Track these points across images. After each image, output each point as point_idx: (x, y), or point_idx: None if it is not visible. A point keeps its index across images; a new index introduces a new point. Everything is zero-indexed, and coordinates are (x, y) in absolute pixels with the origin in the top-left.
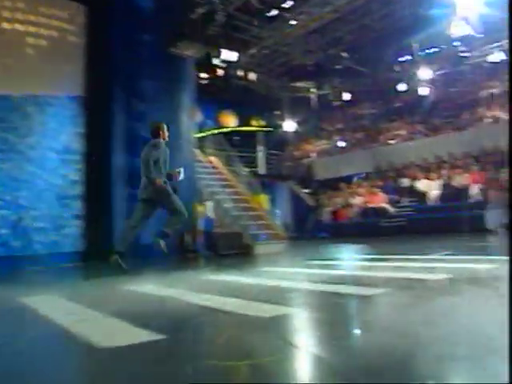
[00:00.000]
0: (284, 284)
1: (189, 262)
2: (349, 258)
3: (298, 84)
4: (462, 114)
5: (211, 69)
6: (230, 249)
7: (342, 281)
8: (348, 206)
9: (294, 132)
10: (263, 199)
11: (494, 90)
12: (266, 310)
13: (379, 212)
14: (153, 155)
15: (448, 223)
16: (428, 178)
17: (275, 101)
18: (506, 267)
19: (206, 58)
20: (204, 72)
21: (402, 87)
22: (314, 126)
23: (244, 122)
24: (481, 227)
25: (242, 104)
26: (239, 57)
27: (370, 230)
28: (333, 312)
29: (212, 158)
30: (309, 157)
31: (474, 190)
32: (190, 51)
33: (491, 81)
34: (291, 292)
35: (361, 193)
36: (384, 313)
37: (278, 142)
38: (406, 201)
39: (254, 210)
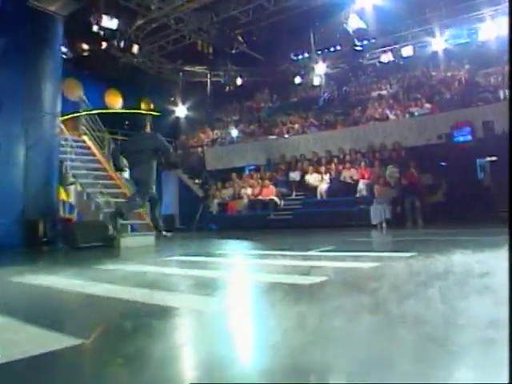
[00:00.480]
0: (101, 291)
1: (24, 257)
2: (224, 254)
3: (192, 68)
4: (354, 112)
5: (91, 38)
6: (91, 241)
7: (176, 287)
8: (238, 197)
9: (187, 119)
10: None
11: (384, 92)
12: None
13: (268, 205)
14: None
15: (335, 218)
16: (318, 172)
17: (168, 84)
18: (387, 265)
19: (83, 23)
20: (83, 41)
21: (298, 80)
22: (209, 115)
23: (133, 104)
24: (367, 222)
25: (131, 84)
26: (122, 25)
27: (258, 223)
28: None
29: (86, 139)
30: (201, 146)
31: (362, 186)
32: (54, 5)
33: (381, 82)
34: (92, 305)
35: (251, 185)
36: (197, 337)
37: (169, 128)
38: (295, 194)
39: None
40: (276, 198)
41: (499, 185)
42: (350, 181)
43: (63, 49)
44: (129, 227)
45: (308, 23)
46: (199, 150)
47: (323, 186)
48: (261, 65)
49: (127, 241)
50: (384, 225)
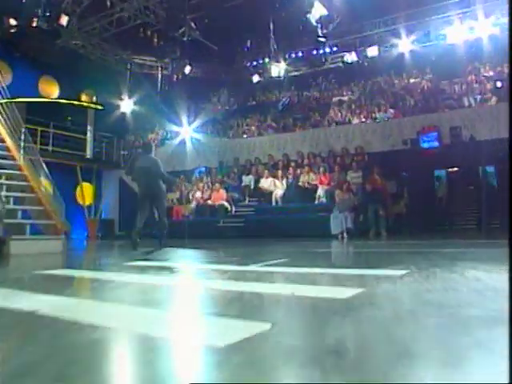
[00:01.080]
0: None
1: None
2: (127, 269)
3: (140, 58)
4: (314, 115)
5: (20, 12)
6: None
7: None
8: (186, 202)
9: (134, 114)
10: (88, 189)
11: (345, 98)
12: None
13: (218, 210)
14: None
15: (291, 226)
16: (273, 177)
17: (113, 75)
18: (379, 293)
19: None
20: (10, 16)
21: (256, 79)
22: (159, 112)
23: (72, 94)
24: (326, 232)
25: (70, 73)
26: None
27: (206, 231)
28: None
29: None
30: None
31: (321, 192)
32: None
33: (342, 88)
34: None
35: (200, 188)
36: None
37: (113, 125)
38: (248, 200)
39: (34, 196)
40: (226, 204)
41: (454, 196)
42: (308, 186)
43: None
44: (27, 228)
45: (268, 10)
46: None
47: (279, 192)
48: (215, 57)
49: (20, 246)
50: (345, 235)
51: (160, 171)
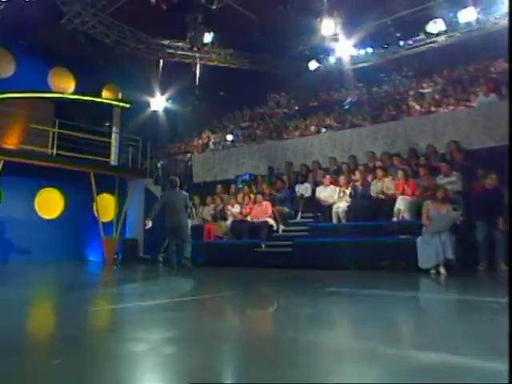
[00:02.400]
0: None
1: None
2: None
3: (170, 41)
4: (388, 109)
5: None
6: None
7: None
8: (221, 218)
9: (168, 112)
10: (108, 202)
11: (427, 90)
12: None
13: (260, 230)
14: None
15: (358, 254)
16: (335, 184)
17: (140, 65)
18: None
19: None
20: None
21: (314, 65)
22: (202, 114)
23: (91, 89)
24: (410, 263)
25: (87, 63)
26: None
27: (242, 256)
28: None
29: None
30: (189, 152)
31: (401, 204)
32: None
33: (422, 80)
34: None
35: (240, 201)
36: None
37: (140, 125)
38: (301, 216)
39: None
40: (272, 221)
41: None
42: (382, 197)
43: None
44: None
45: None
46: (187, 156)
47: (341, 205)
48: (258, 39)
49: None
50: (442, 270)
51: (183, 207)
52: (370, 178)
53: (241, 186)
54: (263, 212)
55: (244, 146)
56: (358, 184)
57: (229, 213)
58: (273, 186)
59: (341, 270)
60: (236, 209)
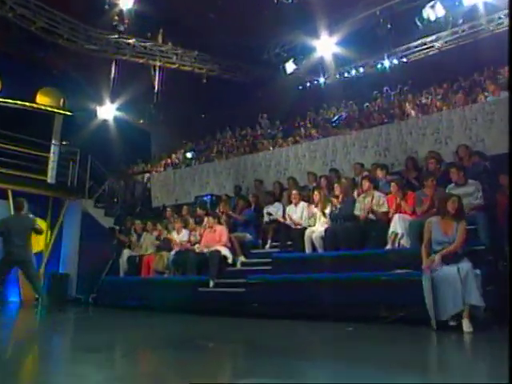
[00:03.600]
0: None
1: None
2: None
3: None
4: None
5: None
6: None
7: None
8: (165, 248)
9: (121, 124)
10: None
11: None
12: None
13: (210, 262)
14: None
15: (340, 297)
16: (308, 201)
17: (87, 67)
18: None
19: None
20: None
21: (291, 68)
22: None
23: (25, 94)
24: (414, 311)
25: (17, 61)
26: None
27: (185, 298)
28: None
29: None
30: (147, 172)
31: (398, 227)
32: None
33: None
34: None
35: (190, 226)
36: None
37: (89, 139)
38: (269, 244)
39: None
40: (225, 251)
41: None
42: (371, 216)
43: None
44: None
45: None
46: (145, 176)
47: (318, 229)
48: (226, 41)
49: None
50: (467, 325)
51: (28, 235)
52: (355, 194)
53: (199, 208)
54: (215, 239)
55: (207, 163)
56: (337, 201)
57: (173, 241)
58: (240, 206)
59: (311, 321)
60: (183, 236)
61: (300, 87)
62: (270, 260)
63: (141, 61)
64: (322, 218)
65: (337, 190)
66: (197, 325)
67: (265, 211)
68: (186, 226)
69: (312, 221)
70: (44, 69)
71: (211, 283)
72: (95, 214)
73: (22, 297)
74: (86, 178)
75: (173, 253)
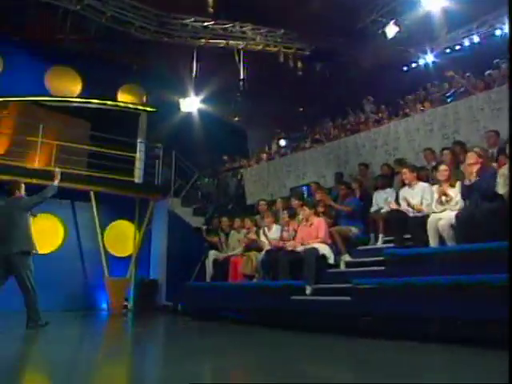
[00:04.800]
0: None
1: None
2: None
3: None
4: None
5: None
6: None
7: None
8: (255, 248)
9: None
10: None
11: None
12: None
13: (307, 263)
14: None
15: (483, 309)
16: (426, 181)
17: (165, 56)
18: None
19: None
20: None
21: (391, 31)
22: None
23: (107, 92)
24: None
25: (97, 60)
26: None
27: (274, 310)
28: None
29: None
30: (239, 167)
31: None
32: None
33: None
34: None
35: (285, 221)
36: None
37: (172, 133)
38: (382, 239)
39: None
40: (325, 248)
41: None
42: None
43: None
44: None
45: None
46: (239, 172)
47: (446, 215)
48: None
49: None
50: None
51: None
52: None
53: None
54: (312, 235)
55: (303, 151)
56: (472, 176)
57: (263, 239)
58: (336, 196)
59: (448, 344)
60: (274, 233)
61: (405, 67)
62: (382, 258)
63: (221, 44)
64: (453, 201)
65: (471, 159)
66: (290, 347)
67: (374, 199)
68: (277, 221)
69: (437, 206)
70: (123, 66)
71: (308, 290)
72: (183, 214)
73: (110, 304)
74: (171, 176)
75: (262, 253)
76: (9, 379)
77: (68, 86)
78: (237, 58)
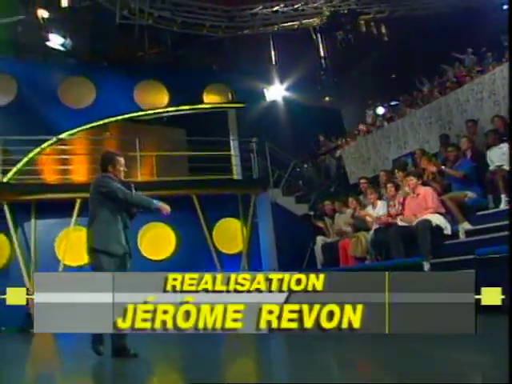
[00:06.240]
0: None
1: None
2: None
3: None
4: None
5: None
6: None
7: None
8: (361, 227)
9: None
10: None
11: None
12: None
13: (419, 237)
14: None
15: None
16: None
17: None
18: None
19: None
20: None
21: None
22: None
23: (192, 96)
24: None
25: (176, 66)
26: None
27: None
28: None
29: None
30: (336, 147)
31: None
32: None
33: None
34: None
35: (391, 194)
36: None
37: (262, 124)
38: (506, 200)
39: None
40: (439, 219)
41: None
42: None
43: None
44: None
45: None
46: (336, 153)
47: None
48: None
49: None
50: None
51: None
52: None
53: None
54: (421, 206)
55: (402, 118)
56: None
57: (369, 217)
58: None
59: None
60: (379, 210)
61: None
62: (508, 222)
63: (295, 26)
64: None
65: None
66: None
67: (488, 157)
68: (381, 197)
69: None
70: (203, 68)
71: (425, 266)
72: (285, 204)
73: None
74: (267, 168)
75: (371, 232)
76: None
77: (157, 98)
78: (314, 37)
